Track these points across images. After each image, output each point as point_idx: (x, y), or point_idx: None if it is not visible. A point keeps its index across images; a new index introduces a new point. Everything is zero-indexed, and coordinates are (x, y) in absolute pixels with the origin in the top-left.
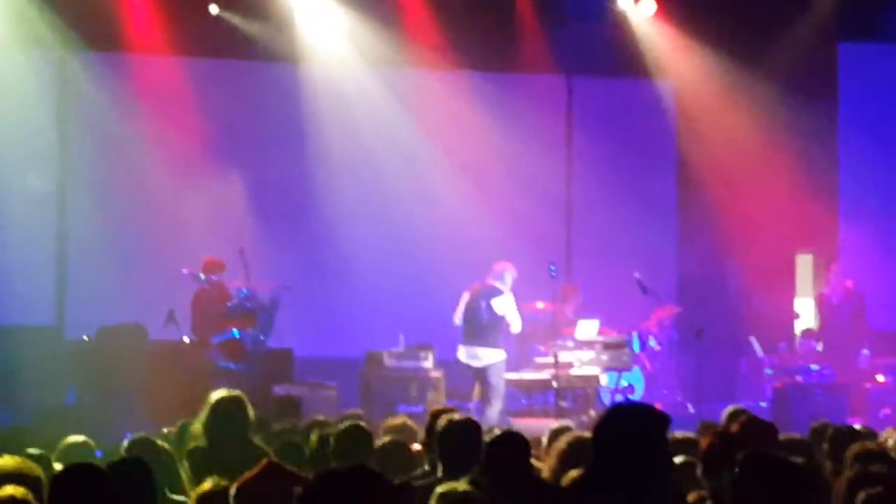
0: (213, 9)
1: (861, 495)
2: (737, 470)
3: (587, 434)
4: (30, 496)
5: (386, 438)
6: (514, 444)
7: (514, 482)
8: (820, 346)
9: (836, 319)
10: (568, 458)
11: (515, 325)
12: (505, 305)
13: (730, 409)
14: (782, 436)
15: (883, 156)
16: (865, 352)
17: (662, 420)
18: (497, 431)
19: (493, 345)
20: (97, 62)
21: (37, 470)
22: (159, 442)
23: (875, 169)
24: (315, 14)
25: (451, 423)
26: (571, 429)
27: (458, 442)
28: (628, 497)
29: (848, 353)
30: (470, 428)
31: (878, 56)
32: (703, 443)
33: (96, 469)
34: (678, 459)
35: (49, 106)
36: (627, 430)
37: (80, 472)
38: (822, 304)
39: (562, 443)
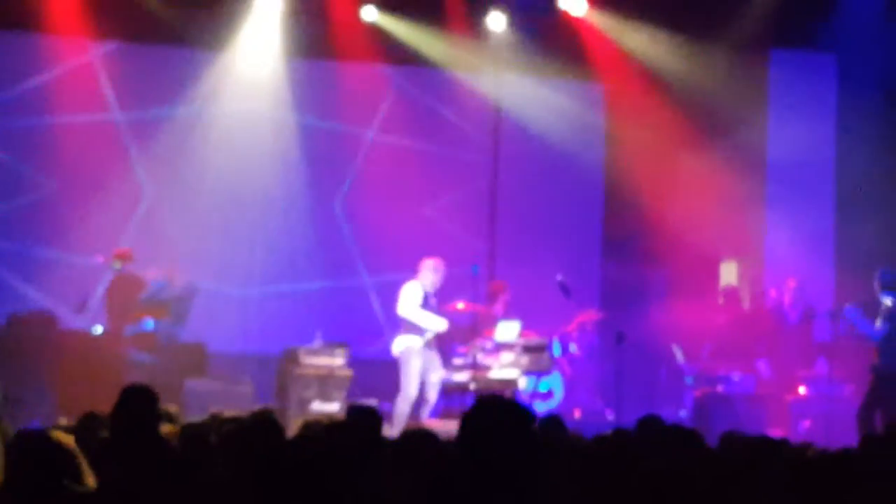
0: None
1: None
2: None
3: None
4: None
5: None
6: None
7: None
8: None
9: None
10: None
11: (399, 306)
12: (402, 291)
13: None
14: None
15: (811, 165)
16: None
17: (527, 416)
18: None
19: (400, 333)
20: (5, 40)
21: None
22: (59, 434)
23: (803, 177)
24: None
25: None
26: None
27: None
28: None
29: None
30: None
31: (809, 63)
32: None
33: None
34: None
35: None
36: (492, 425)
37: None
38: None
39: None
